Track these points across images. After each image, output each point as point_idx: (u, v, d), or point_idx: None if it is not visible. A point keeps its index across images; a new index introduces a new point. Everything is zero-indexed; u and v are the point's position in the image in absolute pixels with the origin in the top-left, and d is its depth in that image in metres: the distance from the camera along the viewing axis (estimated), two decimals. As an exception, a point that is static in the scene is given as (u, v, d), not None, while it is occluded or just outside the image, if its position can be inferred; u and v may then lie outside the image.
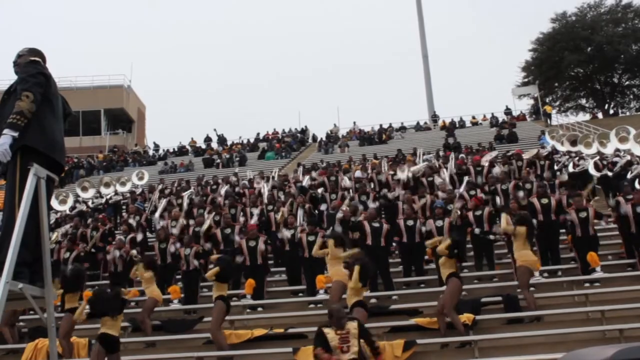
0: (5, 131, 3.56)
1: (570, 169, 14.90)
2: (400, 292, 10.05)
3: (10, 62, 4.17)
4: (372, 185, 14.56)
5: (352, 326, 6.54)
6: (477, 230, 10.48)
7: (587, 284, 9.46)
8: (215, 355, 8.62)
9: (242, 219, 12.61)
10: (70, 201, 17.42)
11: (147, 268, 9.83)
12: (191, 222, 12.80)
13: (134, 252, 11.39)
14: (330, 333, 6.51)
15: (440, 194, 12.65)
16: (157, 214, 14.66)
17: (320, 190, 14.33)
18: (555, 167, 15.75)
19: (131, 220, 13.74)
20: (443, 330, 8.14)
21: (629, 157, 14.11)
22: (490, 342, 8.08)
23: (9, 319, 9.79)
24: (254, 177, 17.92)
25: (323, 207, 13.19)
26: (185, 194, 16.38)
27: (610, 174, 13.73)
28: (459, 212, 10.82)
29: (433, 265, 10.22)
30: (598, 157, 14.80)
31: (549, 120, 31.37)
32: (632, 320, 7.91)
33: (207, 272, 9.01)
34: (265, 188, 15.64)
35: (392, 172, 15.06)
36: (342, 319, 6.58)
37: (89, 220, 14.46)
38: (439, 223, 10.50)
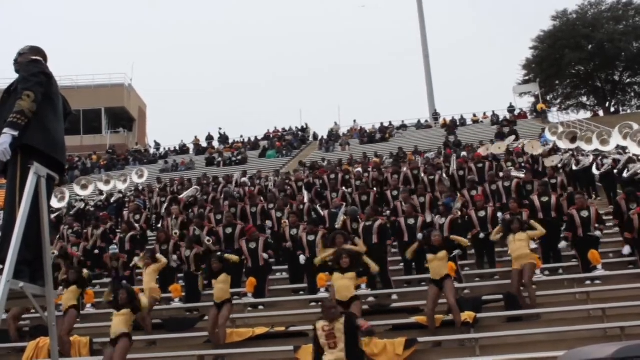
0: (5, 130, 3.57)
1: (574, 167, 14.86)
2: (400, 290, 10.05)
3: (11, 61, 4.16)
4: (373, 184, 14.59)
5: (340, 321, 6.14)
6: (481, 235, 10.42)
7: (588, 282, 9.45)
8: (216, 354, 8.63)
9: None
10: (67, 198, 17.40)
11: (151, 262, 9.85)
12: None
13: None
14: (320, 329, 6.22)
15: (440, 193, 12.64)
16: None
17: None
18: (559, 165, 15.73)
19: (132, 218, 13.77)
20: (433, 328, 8.16)
21: (631, 154, 14.06)
22: (491, 340, 8.08)
23: (18, 313, 9.90)
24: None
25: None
26: (186, 194, 16.41)
27: (615, 171, 13.67)
28: (459, 213, 10.85)
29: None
30: (600, 157, 14.74)
31: (545, 118, 31.44)
32: (633, 318, 7.91)
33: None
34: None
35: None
36: (330, 310, 6.21)
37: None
38: (442, 220, 10.47)
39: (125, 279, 10.94)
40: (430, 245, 8.35)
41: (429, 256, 8.30)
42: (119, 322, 7.53)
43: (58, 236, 13.44)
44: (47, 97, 3.83)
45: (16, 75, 3.95)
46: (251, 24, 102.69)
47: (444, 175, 14.67)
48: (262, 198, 14.32)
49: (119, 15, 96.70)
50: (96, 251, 12.57)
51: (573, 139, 17.15)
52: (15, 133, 3.57)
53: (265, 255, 10.41)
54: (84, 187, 19.45)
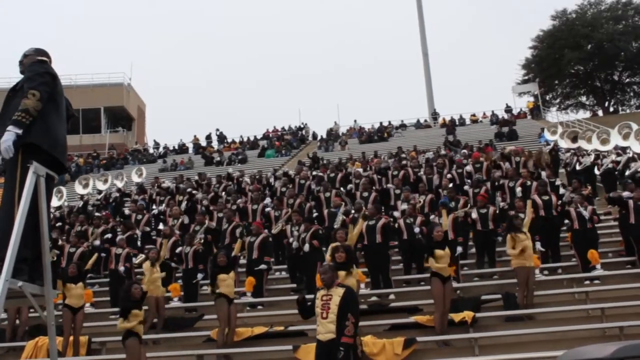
0: (10, 128, 3.58)
1: (577, 167, 14.87)
2: (400, 289, 10.05)
3: (10, 59, 4.18)
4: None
5: (338, 292, 5.84)
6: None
7: (587, 282, 9.47)
8: (216, 353, 8.62)
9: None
10: (64, 197, 17.39)
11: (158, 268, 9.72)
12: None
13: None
14: (319, 298, 5.94)
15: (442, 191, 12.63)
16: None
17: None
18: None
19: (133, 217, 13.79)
20: (440, 330, 8.11)
21: (630, 154, 14.09)
22: (490, 340, 8.08)
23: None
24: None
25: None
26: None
27: (616, 172, 13.68)
28: (463, 211, 10.87)
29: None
30: (600, 157, 14.75)
31: (538, 114, 31.59)
32: (632, 317, 7.92)
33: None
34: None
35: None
36: (326, 274, 5.95)
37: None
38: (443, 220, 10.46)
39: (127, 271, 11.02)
40: (434, 241, 8.23)
41: (438, 252, 8.06)
42: None
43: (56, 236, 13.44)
44: (52, 97, 3.84)
45: (20, 76, 3.96)
46: (251, 23, 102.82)
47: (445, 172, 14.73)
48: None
49: (119, 15, 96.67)
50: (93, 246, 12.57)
51: (574, 139, 17.17)
52: (19, 131, 3.58)
53: (263, 266, 10.40)
54: (86, 186, 19.47)
